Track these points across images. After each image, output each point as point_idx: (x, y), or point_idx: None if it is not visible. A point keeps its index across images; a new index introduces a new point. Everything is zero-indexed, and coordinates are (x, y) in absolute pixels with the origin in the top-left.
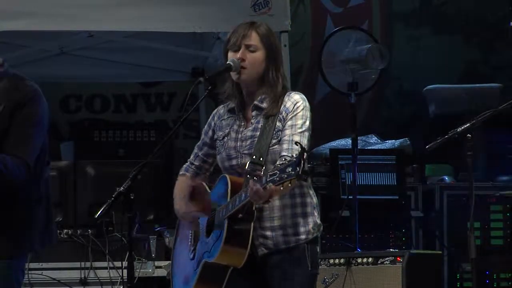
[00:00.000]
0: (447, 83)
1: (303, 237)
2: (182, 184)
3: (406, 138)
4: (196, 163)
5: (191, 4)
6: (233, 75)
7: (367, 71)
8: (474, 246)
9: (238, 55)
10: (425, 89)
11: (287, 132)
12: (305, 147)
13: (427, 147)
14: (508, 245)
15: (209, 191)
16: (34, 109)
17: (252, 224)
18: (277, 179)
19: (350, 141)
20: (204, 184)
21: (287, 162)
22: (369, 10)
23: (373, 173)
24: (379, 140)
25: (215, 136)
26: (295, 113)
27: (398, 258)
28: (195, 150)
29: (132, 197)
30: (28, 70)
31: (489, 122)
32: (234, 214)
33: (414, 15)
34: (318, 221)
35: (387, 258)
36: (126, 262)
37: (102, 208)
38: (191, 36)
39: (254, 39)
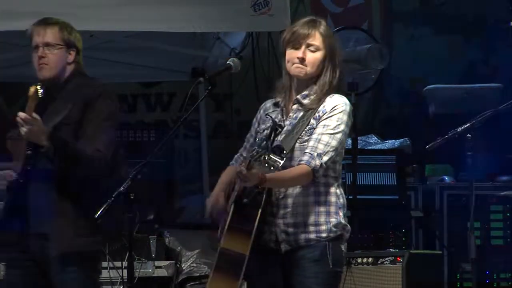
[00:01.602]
0: (447, 83)
1: (324, 234)
2: (226, 173)
3: (406, 138)
4: (245, 154)
5: (191, 4)
6: (293, 69)
7: (367, 71)
8: (474, 246)
9: (299, 54)
10: (425, 89)
11: (318, 130)
12: (331, 147)
13: (427, 147)
14: (508, 245)
15: None
16: (105, 105)
17: (259, 211)
18: (255, 153)
19: (350, 141)
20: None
21: (263, 137)
22: (369, 10)
23: (373, 173)
24: (379, 140)
25: (258, 129)
26: (331, 114)
27: (398, 258)
28: (245, 143)
29: (132, 197)
30: (28, 70)
31: (489, 122)
32: (238, 198)
33: (414, 15)
34: (343, 221)
35: (387, 258)
36: (126, 262)
37: (102, 208)
38: (191, 36)
39: (317, 39)
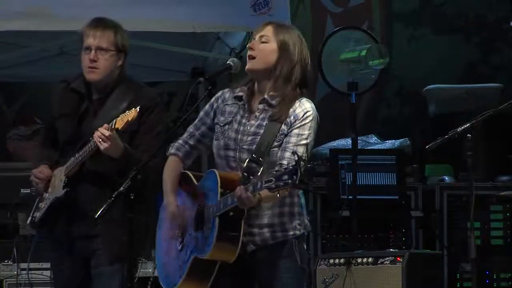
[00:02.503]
0: (447, 83)
1: (290, 233)
2: (172, 169)
3: (406, 138)
4: (191, 142)
5: (191, 4)
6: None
7: (367, 71)
8: (474, 246)
9: (249, 44)
10: (425, 89)
11: (292, 140)
12: (305, 157)
13: (427, 147)
14: (508, 245)
15: (195, 182)
16: (161, 114)
17: (243, 221)
18: (273, 186)
19: (350, 141)
20: (190, 174)
21: (283, 170)
22: (369, 10)
23: (373, 173)
24: (379, 140)
25: (216, 120)
26: (303, 122)
27: (398, 258)
28: (191, 129)
29: (132, 197)
30: (28, 70)
31: (489, 122)
32: (225, 212)
33: (414, 15)
34: (306, 221)
35: (387, 258)
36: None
37: (102, 208)
38: (191, 36)
39: (267, 31)
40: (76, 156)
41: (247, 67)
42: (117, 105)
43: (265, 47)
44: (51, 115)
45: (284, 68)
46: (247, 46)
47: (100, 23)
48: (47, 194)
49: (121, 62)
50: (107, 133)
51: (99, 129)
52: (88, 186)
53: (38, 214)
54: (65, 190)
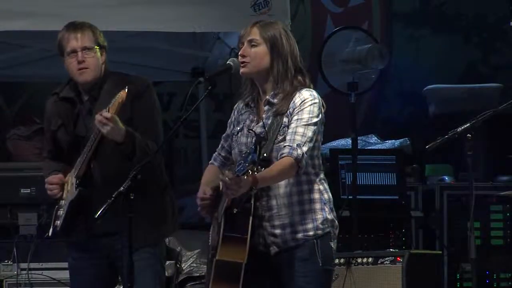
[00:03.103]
0: (447, 83)
1: (311, 233)
2: (208, 172)
3: (406, 138)
4: (223, 154)
5: (191, 4)
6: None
7: (367, 71)
8: (474, 246)
9: (240, 52)
10: (425, 89)
11: (292, 125)
12: (307, 138)
13: (427, 147)
14: (508, 245)
15: None
16: (153, 97)
17: (250, 218)
18: (242, 168)
19: (350, 141)
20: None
21: (248, 151)
22: (369, 10)
23: (373, 173)
24: (379, 140)
25: (233, 131)
26: (301, 108)
27: (398, 258)
28: (222, 141)
29: (132, 197)
30: (28, 70)
31: (489, 122)
32: (228, 208)
33: (414, 15)
34: (330, 217)
35: (387, 258)
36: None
37: (102, 208)
38: (191, 36)
39: (254, 33)
40: (82, 155)
41: (241, 71)
42: (109, 98)
43: (256, 51)
44: (49, 130)
45: (279, 67)
46: (238, 53)
47: (77, 26)
48: (63, 201)
49: (104, 57)
50: (108, 114)
51: (99, 112)
52: (100, 183)
53: (58, 222)
54: (78, 190)
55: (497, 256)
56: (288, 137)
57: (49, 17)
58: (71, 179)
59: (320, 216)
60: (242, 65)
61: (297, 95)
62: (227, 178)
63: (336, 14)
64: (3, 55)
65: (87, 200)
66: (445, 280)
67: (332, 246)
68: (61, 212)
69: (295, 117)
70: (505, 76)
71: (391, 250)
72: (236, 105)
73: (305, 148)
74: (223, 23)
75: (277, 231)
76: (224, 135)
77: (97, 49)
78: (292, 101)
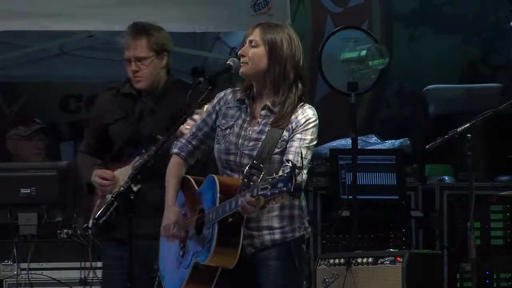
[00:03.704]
0: (447, 83)
1: (289, 235)
2: (174, 168)
3: (406, 138)
4: (194, 142)
5: (191, 4)
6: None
7: (367, 71)
8: (474, 246)
9: (240, 51)
10: (425, 89)
11: (295, 144)
12: (307, 161)
13: (427, 147)
14: (508, 245)
15: (196, 187)
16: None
17: (242, 226)
18: (269, 193)
19: (350, 141)
20: (191, 179)
21: (278, 177)
22: (369, 10)
23: (373, 173)
24: (379, 140)
25: (218, 122)
26: (306, 128)
27: (398, 258)
28: (193, 130)
29: (132, 197)
30: (28, 70)
31: (489, 122)
32: (224, 218)
33: (414, 15)
34: (306, 224)
35: (387, 258)
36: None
37: (102, 208)
38: (191, 36)
39: (255, 34)
40: (143, 156)
41: (240, 71)
42: (174, 102)
43: (254, 52)
44: (98, 123)
45: (276, 70)
46: (238, 53)
47: (134, 33)
48: (109, 195)
49: (165, 61)
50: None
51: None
52: (154, 183)
53: (99, 214)
54: (137, 186)
55: (497, 256)
56: (290, 157)
57: (49, 17)
58: (123, 176)
59: (297, 221)
60: (241, 64)
61: (300, 111)
62: (252, 199)
63: (336, 14)
64: (3, 55)
65: (139, 197)
66: (445, 280)
67: (304, 249)
68: (105, 207)
69: (298, 136)
70: (505, 76)
71: (391, 250)
72: (223, 94)
73: (305, 171)
74: (223, 23)
75: (254, 232)
76: (198, 123)
77: (153, 57)
78: (295, 116)
